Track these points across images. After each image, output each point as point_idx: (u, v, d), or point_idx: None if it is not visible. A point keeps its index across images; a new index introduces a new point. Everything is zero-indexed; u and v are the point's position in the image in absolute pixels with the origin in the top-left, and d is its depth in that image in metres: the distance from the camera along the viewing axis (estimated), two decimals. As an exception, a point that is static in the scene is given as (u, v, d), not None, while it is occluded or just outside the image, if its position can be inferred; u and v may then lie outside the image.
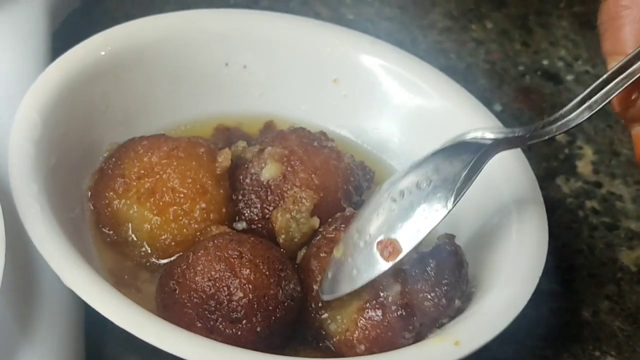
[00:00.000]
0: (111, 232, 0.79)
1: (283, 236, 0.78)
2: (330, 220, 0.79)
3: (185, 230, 0.78)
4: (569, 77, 1.12)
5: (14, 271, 0.72)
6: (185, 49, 0.91)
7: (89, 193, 0.81)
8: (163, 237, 0.78)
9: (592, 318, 0.88)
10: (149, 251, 0.78)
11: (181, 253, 0.77)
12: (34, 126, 0.77)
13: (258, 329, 0.70)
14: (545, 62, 1.14)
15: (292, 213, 0.78)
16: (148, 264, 0.78)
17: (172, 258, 0.78)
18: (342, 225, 0.77)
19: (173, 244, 0.78)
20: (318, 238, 0.78)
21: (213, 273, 0.71)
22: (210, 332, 0.70)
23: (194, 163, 0.79)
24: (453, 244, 0.74)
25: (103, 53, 0.86)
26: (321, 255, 0.76)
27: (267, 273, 0.72)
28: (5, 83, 0.88)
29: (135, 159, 0.79)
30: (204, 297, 0.71)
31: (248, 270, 0.71)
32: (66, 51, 0.85)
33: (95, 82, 0.85)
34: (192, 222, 0.77)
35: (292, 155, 0.81)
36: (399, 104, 0.93)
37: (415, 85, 0.92)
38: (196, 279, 0.71)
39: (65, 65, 0.83)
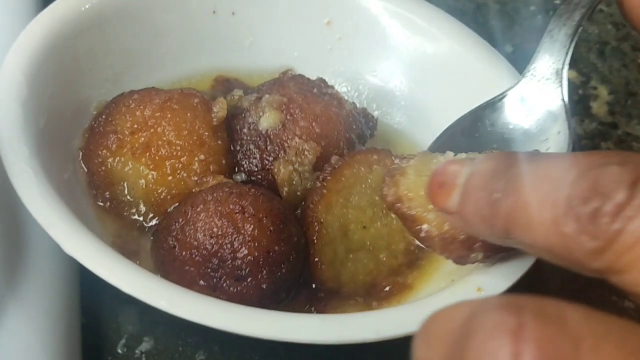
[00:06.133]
0: (106, 193, 0.79)
1: (286, 189, 0.79)
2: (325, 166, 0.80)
3: (183, 183, 0.78)
4: (582, 16, 1.12)
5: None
6: (170, -2, 0.91)
7: (81, 153, 0.81)
8: (159, 191, 0.78)
9: (610, 262, 0.89)
10: (144, 210, 0.79)
11: (177, 204, 0.77)
12: (19, 87, 0.77)
13: (264, 286, 0.71)
14: (557, 1, 1.13)
15: (295, 165, 0.79)
16: (146, 223, 0.79)
17: (168, 210, 0.78)
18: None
19: (169, 197, 0.78)
20: (318, 185, 0.79)
21: (215, 229, 0.72)
22: (214, 290, 0.71)
23: (189, 114, 0.79)
24: None
25: (86, 6, 0.86)
26: (318, 201, 0.77)
27: (272, 228, 0.72)
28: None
29: (127, 114, 0.80)
30: (206, 254, 0.71)
31: (252, 226, 0.72)
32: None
33: (79, 38, 0.85)
34: (191, 174, 0.78)
35: (291, 103, 0.81)
36: (400, 46, 0.93)
37: (417, 25, 0.92)
38: (197, 235, 0.72)
39: (47, 21, 0.83)
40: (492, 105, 0.82)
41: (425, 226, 0.68)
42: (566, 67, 0.80)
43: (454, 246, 0.67)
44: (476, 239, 0.66)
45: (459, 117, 0.82)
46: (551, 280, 0.86)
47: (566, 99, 0.79)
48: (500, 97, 0.82)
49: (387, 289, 0.78)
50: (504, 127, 0.81)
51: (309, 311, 0.76)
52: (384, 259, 0.78)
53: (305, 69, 0.92)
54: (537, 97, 0.80)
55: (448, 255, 0.68)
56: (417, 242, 0.69)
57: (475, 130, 0.81)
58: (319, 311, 0.76)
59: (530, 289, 0.83)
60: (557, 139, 0.78)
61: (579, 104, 1.04)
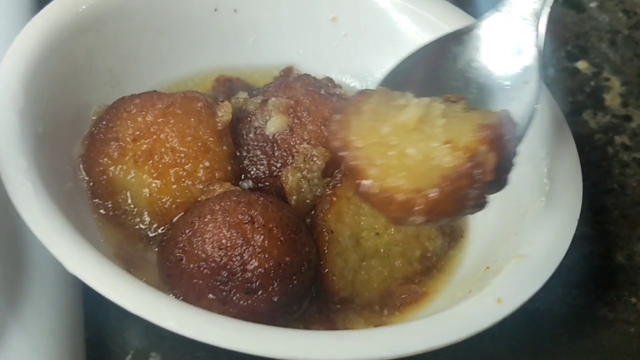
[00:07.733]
0: (108, 202, 0.78)
1: (295, 197, 0.77)
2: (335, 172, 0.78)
3: (188, 192, 0.76)
4: (593, 5, 1.10)
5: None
6: (169, -4, 0.89)
7: (81, 161, 0.80)
8: (163, 200, 0.76)
9: (626, 262, 0.88)
10: (148, 220, 0.77)
11: (182, 213, 0.76)
12: (15, 94, 0.75)
13: (275, 299, 0.70)
14: (570, -3, 1.13)
15: (304, 172, 0.77)
16: (150, 233, 0.77)
17: (174, 220, 0.76)
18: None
19: (174, 206, 0.76)
20: (328, 192, 0.77)
21: (224, 241, 0.70)
22: (223, 303, 0.69)
23: (192, 119, 0.77)
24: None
25: (83, 7, 0.84)
26: (328, 209, 0.76)
27: (282, 238, 0.70)
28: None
29: (129, 120, 0.78)
30: (215, 267, 0.69)
31: (262, 237, 0.70)
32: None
33: (76, 40, 0.83)
34: (196, 182, 0.76)
35: (298, 105, 0.80)
36: (408, 41, 0.90)
37: (426, 20, 0.91)
38: (205, 247, 0.70)
39: (43, 24, 0.81)
40: (458, 37, 0.76)
41: (366, 182, 0.65)
42: (546, 10, 0.73)
43: (393, 207, 0.64)
44: (415, 203, 0.63)
45: (421, 46, 0.77)
46: (568, 282, 0.85)
47: (541, 46, 0.73)
48: (468, 29, 0.75)
49: (402, 297, 0.76)
50: (466, 64, 0.76)
51: (321, 322, 0.75)
52: (399, 266, 0.77)
53: (311, 67, 0.91)
54: (509, 36, 0.74)
55: (386, 214, 0.65)
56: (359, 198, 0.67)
57: (436, 63, 0.76)
58: (332, 322, 0.75)
59: (548, 292, 0.83)
60: (522, 88, 0.73)
61: (591, 96, 1.03)
